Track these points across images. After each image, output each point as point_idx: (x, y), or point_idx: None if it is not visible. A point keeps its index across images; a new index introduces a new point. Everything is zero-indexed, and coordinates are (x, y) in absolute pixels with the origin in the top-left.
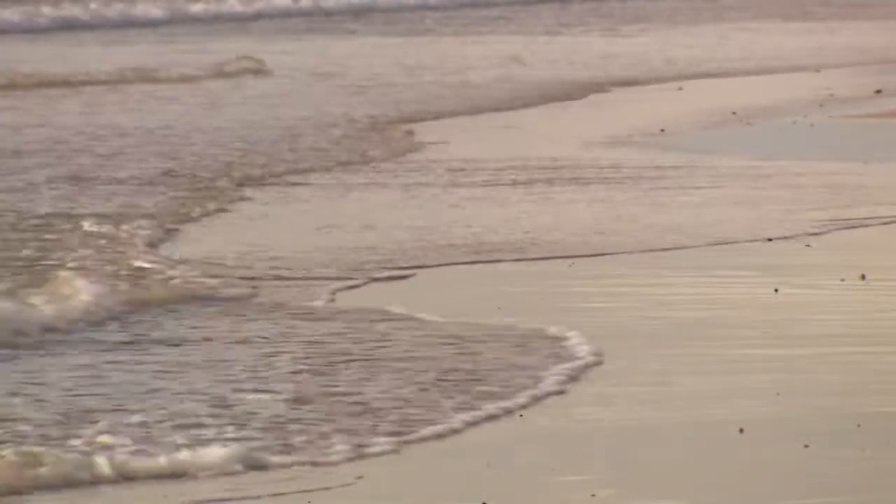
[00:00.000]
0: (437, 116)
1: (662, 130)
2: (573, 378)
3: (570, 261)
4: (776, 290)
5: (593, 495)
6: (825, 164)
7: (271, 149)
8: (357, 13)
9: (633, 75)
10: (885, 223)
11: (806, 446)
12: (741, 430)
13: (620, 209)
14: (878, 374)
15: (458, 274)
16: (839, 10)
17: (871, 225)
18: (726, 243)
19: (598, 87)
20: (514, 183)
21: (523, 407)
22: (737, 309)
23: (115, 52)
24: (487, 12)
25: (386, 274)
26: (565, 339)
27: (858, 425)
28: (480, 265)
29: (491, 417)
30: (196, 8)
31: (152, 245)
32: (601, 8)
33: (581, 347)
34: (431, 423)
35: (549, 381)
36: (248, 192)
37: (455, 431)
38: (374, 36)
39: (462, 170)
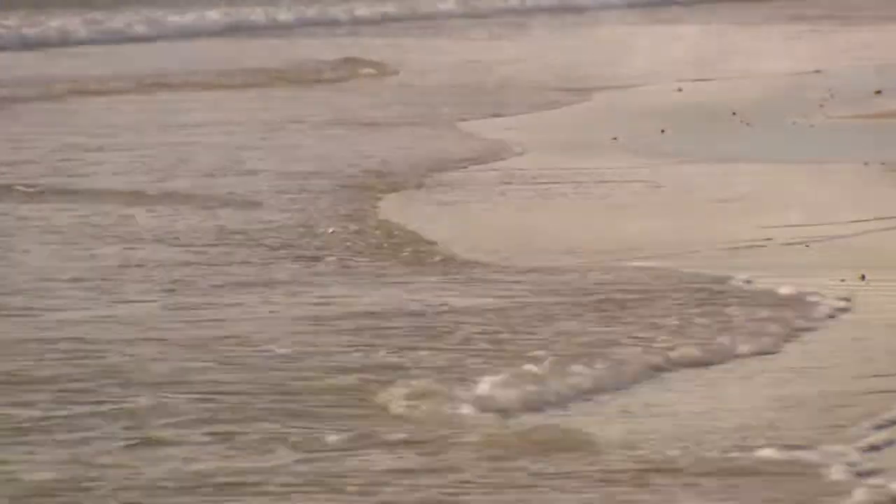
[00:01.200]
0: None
1: (663, 131)
2: None
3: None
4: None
5: None
6: (825, 165)
7: (411, 151)
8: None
9: (632, 76)
10: (886, 224)
11: None
12: None
13: (622, 210)
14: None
15: None
16: (838, 10)
17: (871, 226)
18: (726, 243)
19: (599, 88)
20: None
21: None
22: None
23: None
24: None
25: None
26: None
27: None
28: None
29: None
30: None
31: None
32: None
33: None
34: None
35: None
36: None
37: None
38: (491, 39)
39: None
